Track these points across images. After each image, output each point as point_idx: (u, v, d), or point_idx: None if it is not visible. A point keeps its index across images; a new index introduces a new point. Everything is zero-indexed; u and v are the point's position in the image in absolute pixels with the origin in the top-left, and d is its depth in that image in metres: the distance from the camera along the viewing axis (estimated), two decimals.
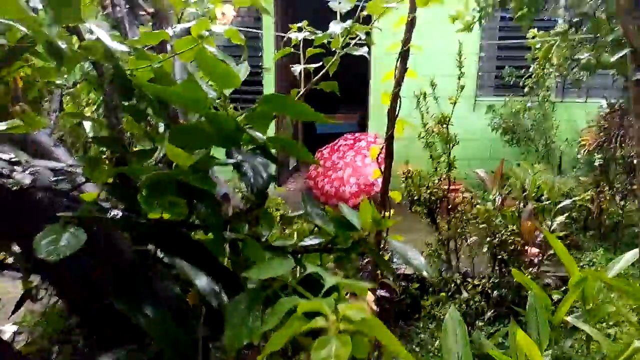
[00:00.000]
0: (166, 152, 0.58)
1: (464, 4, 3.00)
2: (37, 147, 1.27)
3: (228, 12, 1.77)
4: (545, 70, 5.11)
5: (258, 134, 0.63)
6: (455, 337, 2.33)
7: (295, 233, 0.83)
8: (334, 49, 1.26)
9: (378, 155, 2.71)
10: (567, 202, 3.30)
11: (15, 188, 0.74)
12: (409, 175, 3.04)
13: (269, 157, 0.66)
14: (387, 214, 2.74)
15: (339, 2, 1.24)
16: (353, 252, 0.74)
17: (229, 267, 0.66)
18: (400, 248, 0.71)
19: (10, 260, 1.07)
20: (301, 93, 1.12)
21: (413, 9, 2.45)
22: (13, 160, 0.81)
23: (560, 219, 3.33)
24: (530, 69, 5.22)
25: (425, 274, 0.72)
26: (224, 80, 0.62)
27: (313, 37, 1.21)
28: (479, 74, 7.00)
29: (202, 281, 0.71)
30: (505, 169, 4.27)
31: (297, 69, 1.10)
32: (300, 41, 1.23)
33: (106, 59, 0.73)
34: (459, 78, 2.96)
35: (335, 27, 1.13)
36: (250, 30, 6.09)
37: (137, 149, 1.04)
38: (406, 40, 2.53)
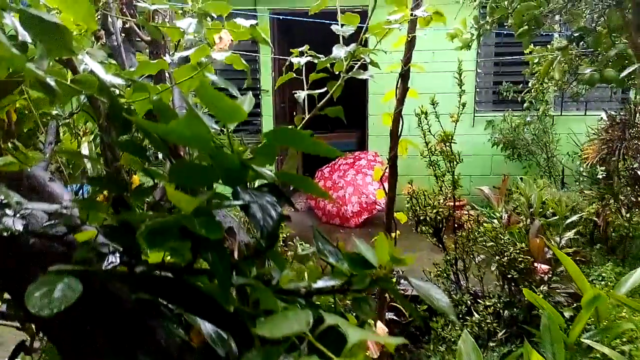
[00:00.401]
0: (166, 194, 0.53)
1: (461, 23, 2.98)
2: (31, 181, 1.22)
3: (225, 36, 1.73)
4: (544, 84, 5.10)
5: (267, 172, 0.58)
6: None
7: (306, 272, 0.77)
8: (337, 72, 1.22)
9: (382, 176, 2.66)
10: (575, 217, 3.25)
11: (5, 234, 0.69)
12: (414, 194, 2.99)
13: (278, 195, 0.61)
14: (393, 235, 2.68)
15: (342, 26, 1.20)
16: (370, 293, 0.68)
17: (238, 314, 0.61)
18: (423, 287, 0.66)
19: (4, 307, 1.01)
20: (305, 119, 1.08)
21: (413, 29, 2.43)
22: (3, 202, 0.76)
23: (569, 234, 3.27)
24: (530, 84, 5.21)
25: (452, 317, 0.67)
26: (229, 115, 0.57)
27: (315, 61, 1.17)
28: (477, 90, 7.01)
29: (207, 327, 0.65)
30: (508, 185, 4.22)
31: (301, 95, 1.06)
32: (302, 66, 1.19)
33: (101, 93, 0.68)
34: (460, 95, 2.93)
35: (339, 51, 1.09)
36: (247, 53, 6.10)
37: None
38: (407, 60, 2.50)
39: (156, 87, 0.79)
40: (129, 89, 0.78)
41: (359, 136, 8.53)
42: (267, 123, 6.98)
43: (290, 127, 0.59)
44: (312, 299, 0.69)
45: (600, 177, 5.40)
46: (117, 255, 0.67)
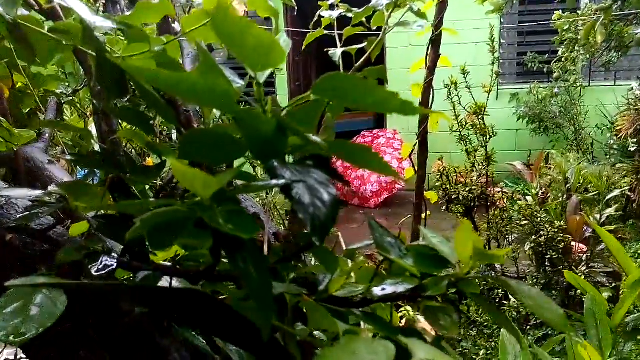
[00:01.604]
0: (173, 174, 0.36)
1: None
2: (30, 165, 1.07)
3: (239, 7, 1.56)
4: (574, 52, 4.81)
5: (316, 139, 0.41)
6: (514, 357, 2.06)
7: (353, 273, 0.60)
8: (374, 28, 1.03)
9: (411, 152, 2.47)
10: (617, 192, 3.02)
11: None
12: (444, 172, 2.79)
13: (328, 171, 0.44)
14: (423, 215, 2.50)
15: None
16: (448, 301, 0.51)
17: (276, 340, 0.44)
18: (532, 296, 0.48)
19: None
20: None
21: None
22: None
23: (609, 211, 3.05)
24: (559, 52, 4.92)
25: (573, 335, 0.49)
26: (260, 56, 0.40)
27: (350, 14, 0.99)
28: (500, 61, 6.70)
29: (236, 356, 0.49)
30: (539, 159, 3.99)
31: (337, 52, 0.88)
32: (333, 20, 1.00)
33: (85, 41, 0.51)
34: (493, 64, 2.70)
35: None
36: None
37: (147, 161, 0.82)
38: (438, 24, 2.28)
39: (159, 38, 0.62)
40: (124, 40, 0.61)
41: (376, 113, 8.29)
42: (282, 103, 6.78)
43: (347, 74, 0.41)
44: (368, 311, 0.52)
45: (632, 149, 5.13)
46: (115, 255, 0.50)
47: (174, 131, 1.89)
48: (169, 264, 0.48)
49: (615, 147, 5.73)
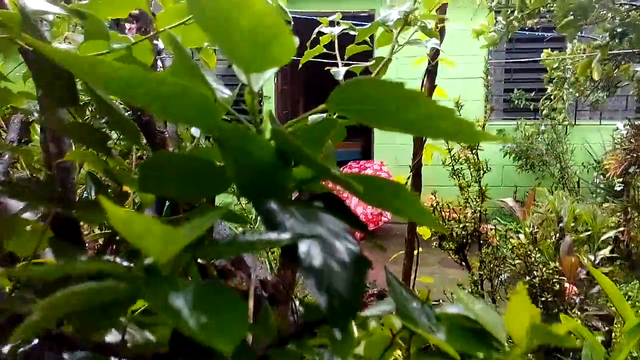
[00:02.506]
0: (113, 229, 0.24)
1: (488, 19, 2.70)
2: None
3: None
4: (563, 90, 4.81)
5: (338, 172, 0.28)
6: None
7: (364, 341, 0.46)
8: (377, 48, 0.92)
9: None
10: (612, 233, 2.94)
11: None
12: (437, 207, 2.68)
13: (344, 215, 0.31)
14: (415, 252, 2.37)
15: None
16: None
17: None
18: None
19: None
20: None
21: (443, 14, 2.13)
22: None
23: (604, 252, 2.96)
24: (549, 90, 4.92)
25: None
26: (258, 46, 0.27)
27: (353, 32, 0.88)
28: (488, 97, 6.72)
29: None
30: (520, 197, 3.91)
31: (340, 71, 0.77)
32: (334, 37, 0.89)
33: (25, 31, 0.38)
34: (486, 99, 2.64)
35: (390, 14, 0.79)
36: None
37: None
38: (434, 55, 2.20)
39: (125, 36, 0.49)
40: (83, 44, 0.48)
41: (364, 145, 8.25)
42: None
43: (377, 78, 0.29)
44: None
45: (619, 189, 5.12)
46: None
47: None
48: (117, 338, 0.34)
49: (601, 186, 5.72)
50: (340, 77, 0.76)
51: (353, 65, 0.79)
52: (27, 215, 0.49)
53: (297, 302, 0.77)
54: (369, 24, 0.84)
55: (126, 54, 0.44)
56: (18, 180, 0.46)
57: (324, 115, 0.78)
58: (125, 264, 0.41)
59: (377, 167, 6.65)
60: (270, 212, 0.27)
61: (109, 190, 0.72)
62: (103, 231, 0.75)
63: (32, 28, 0.38)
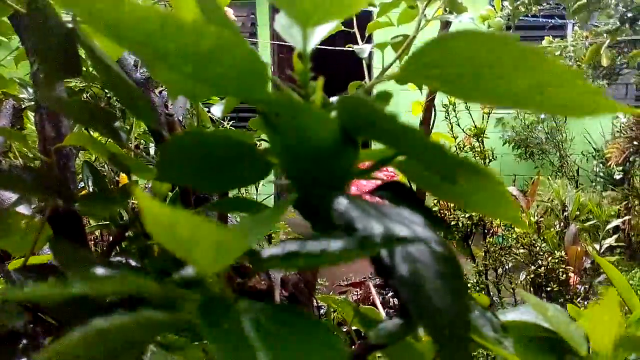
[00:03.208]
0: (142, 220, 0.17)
1: (495, 3, 2.63)
2: None
3: (230, 15, 1.39)
4: None
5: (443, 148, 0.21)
6: None
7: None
8: (397, 26, 0.86)
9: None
10: (618, 221, 2.90)
11: None
12: None
13: (423, 212, 0.25)
14: None
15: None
16: None
17: None
18: None
19: None
20: (371, 83, 0.71)
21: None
22: None
23: (610, 240, 2.92)
24: None
25: None
26: None
27: (373, 8, 0.81)
28: None
29: None
30: (520, 185, 3.86)
31: (365, 48, 0.70)
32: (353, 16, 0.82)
33: None
34: None
35: None
36: (246, 38, 5.73)
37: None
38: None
39: None
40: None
41: None
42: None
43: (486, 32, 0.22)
44: None
45: (618, 177, 5.09)
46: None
47: (152, 145, 1.64)
48: None
49: (601, 174, 5.69)
50: (365, 55, 0.69)
51: (378, 43, 0.72)
52: (21, 208, 0.42)
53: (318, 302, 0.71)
54: (392, 1, 0.77)
55: None
56: (10, 168, 0.39)
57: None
58: (151, 277, 0.34)
59: None
60: (342, 211, 0.21)
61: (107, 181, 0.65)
62: (101, 222, 0.68)
63: None
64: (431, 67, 0.23)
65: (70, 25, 0.35)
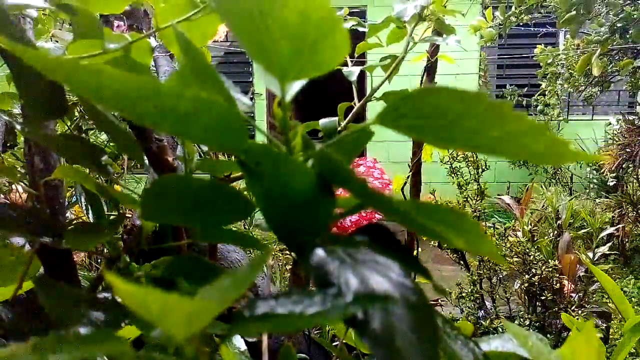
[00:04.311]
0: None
1: (487, 14, 2.65)
2: None
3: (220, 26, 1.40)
4: (557, 86, 4.79)
5: (398, 204, 0.22)
6: None
7: None
8: (387, 45, 0.87)
9: (403, 185, 2.31)
10: (612, 229, 2.91)
11: None
12: None
13: (405, 259, 0.25)
14: (414, 252, 2.32)
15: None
16: None
17: None
18: None
19: None
20: (360, 103, 0.71)
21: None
22: None
23: (603, 249, 2.93)
24: (542, 86, 4.90)
25: None
26: (305, 48, 0.21)
27: (362, 28, 0.82)
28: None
29: None
30: (513, 193, 3.88)
31: (353, 71, 0.71)
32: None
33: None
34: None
35: (406, 8, 0.73)
36: (241, 52, 5.76)
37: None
38: (434, 51, 2.15)
39: (121, 35, 0.43)
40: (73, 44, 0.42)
41: None
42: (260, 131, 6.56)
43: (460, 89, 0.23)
44: None
45: (612, 184, 5.11)
46: None
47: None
48: None
49: (594, 181, 5.72)
50: (354, 78, 0.70)
51: (367, 65, 0.73)
52: (15, 237, 0.43)
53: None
54: (380, 21, 0.78)
55: (123, 55, 0.38)
56: None
57: (335, 119, 0.72)
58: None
59: (371, 165, 6.61)
60: (318, 264, 0.21)
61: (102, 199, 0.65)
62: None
63: (9, 26, 0.31)
64: (406, 118, 0.24)
65: None
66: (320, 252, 0.22)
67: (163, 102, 0.19)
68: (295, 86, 0.25)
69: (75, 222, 0.48)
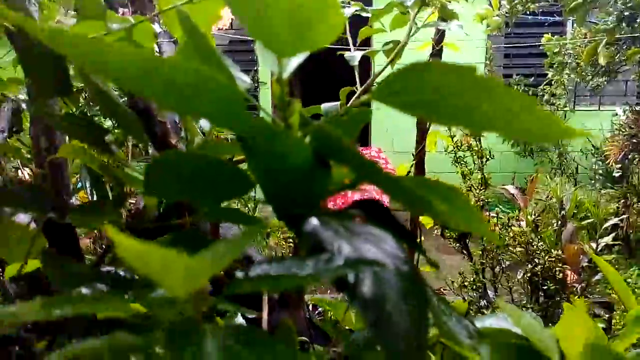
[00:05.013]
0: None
1: (493, 2, 2.64)
2: None
3: (226, 13, 1.40)
4: (564, 75, 4.76)
5: (390, 175, 0.23)
6: None
7: None
8: (390, 31, 0.87)
9: (407, 174, 2.32)
10: (615, 220, 2.91)
11: None
12: None
13: (398, 232, 0.26)
14: (418, 240, 2.33)
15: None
16: None
17: None
18: None
19: None
20: (362, 88, 0.72)
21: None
22: None
23: (607, 239, 2.93)
24: (549, 76, 4.87)
25: None
26: (302, 24, 0.22)
27: (365, 14, 0.82)
28: None
29: None
30: (517, 183, 3.88)
31: (355, 55, 0.71)
32: (347, 20, 0.84)
33: (9, 6, 0.33)
34: None
35: None
36: (246, 38, 5.75)
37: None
38: (439, 38, 2.14)
39: (125, 17, 0.43)
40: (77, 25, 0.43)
41: (361, 130, 8.17)
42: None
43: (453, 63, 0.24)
44: None
45: (617, 175, 5.09)
46: None
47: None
48: None
49: (600, 172, 5.70)
50: (356, 62, 0.70)
51: (369, 49, 0.73)
52: (20, 215, 0.44)
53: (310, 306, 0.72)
54: (384, 7, 0.78)
55: (126, 37, 0.39)
56: (5, 184, 0.40)
57: (337, 103, 0.72)
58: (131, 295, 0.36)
59: (375, 154, 6.59)
60: (311, 232, 0.22)
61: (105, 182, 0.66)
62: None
63: (18, 8, 0.32)
64: (404, 93, 0.25)
65: None
66: (314, 221, 0.23)
67: (167, 75, 0.20)
68: (293, 62, 0.25)
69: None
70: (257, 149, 0.25)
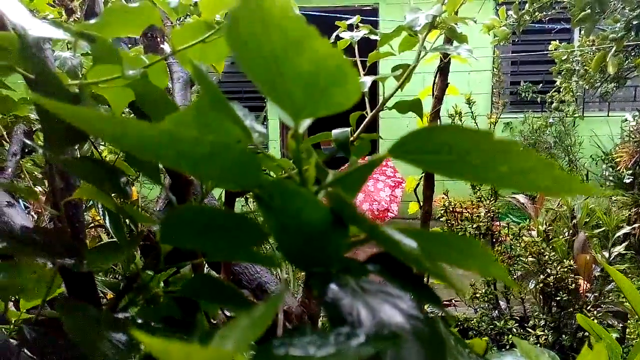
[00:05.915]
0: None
1: (500, 13, 2.63)
2: None
3: None
4: (572, 83, 4.73)
5: (411, 243, 0.23)
6: None
7: None
8: (399, 52, 0.87)
9: (416, 186, 2.31)
10: (628, 228, 2.88)
11: None
12: (450, 207, 2.63)
13: (413, 286, 0.26)
14: None
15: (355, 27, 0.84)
16: None
17: None
18: None
19: None
20: (372, 113, 0.72)
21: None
22: None
23: (619, 248, 2.90)
24: (557, 83, 4.84)
25: None
26: (316, 90, 0.22)
27: (374, 37, 0.82)
28: (494, 90, 6.64)
29: None
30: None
31: (366, 81, 0.71)
32: (354, 42, 0.84)
33: (24, 58, 0.33)
34: (500, 94, 2.57)
35: (417, 17, 0.74)
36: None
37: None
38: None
39: (139, 58, 0.44)
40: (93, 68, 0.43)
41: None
42: (272, 145, 6.51)
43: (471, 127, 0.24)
44: None
45: (628, 181, 5.04)
46: None
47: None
48: None
49: (610, 178, 5.65)
50: (365, 89, 0.70)
51: (379, 76, 0.74)
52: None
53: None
54: (392, 31, 0.78)
55: (140, 78, 0.39)
56: (21, 231, 0.41)
57: (347, 130, 0.72)
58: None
59: (383, 163, 6.58)
60: (332, 301, 0.22)
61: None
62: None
63: (33, 57, 0.32)
64: (421, 151, 0.25)
65: (76, 90, 0.37)
66: (334, 287, 0.23)
67: (181, 148, 0.20)
68: (308, 121, 0.26)
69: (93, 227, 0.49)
70: (274, 208, 0.25)
